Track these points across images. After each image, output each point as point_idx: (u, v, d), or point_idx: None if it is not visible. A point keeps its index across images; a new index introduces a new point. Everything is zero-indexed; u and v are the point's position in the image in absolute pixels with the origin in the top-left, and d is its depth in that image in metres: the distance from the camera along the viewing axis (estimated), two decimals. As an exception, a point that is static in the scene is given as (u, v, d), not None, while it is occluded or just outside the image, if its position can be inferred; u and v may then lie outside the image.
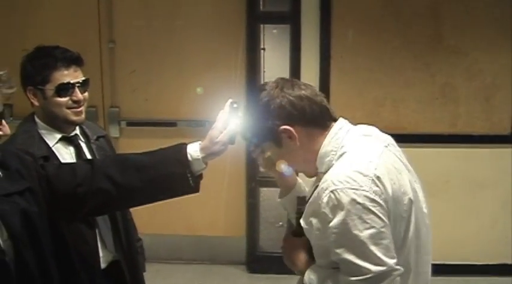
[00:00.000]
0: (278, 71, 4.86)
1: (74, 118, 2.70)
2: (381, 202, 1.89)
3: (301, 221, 2.08)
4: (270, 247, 5.28)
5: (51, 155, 2.62)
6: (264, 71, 5.13)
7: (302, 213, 2.12)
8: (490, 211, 5.14)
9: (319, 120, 2.08)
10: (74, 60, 2.69)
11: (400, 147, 2.13)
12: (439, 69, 5.02)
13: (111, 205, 2.31)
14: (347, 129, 2.09)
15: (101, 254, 2.71)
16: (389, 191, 1.92)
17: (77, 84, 2.68)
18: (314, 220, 1.99)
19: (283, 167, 2.17)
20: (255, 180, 5.21)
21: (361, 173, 1.90)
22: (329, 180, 1.92)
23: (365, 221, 1.85)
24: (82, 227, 2.61)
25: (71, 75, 2.66)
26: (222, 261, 5.48)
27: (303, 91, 2.06)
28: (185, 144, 2.23)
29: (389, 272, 1.86)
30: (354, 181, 1.88)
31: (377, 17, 4.99)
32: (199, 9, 5.19)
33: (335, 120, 2.11)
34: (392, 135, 2.17)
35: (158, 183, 2.21)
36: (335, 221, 1.87)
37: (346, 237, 1.87)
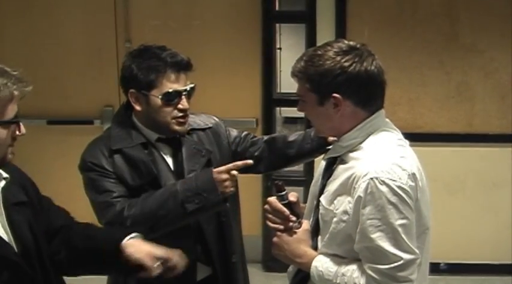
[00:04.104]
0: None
1: (178, 128, 2.49)
2: (413, 196, 1.96)
3: (322, 201, 2.10)
4: (286, 246, 5.27)
5: (149, 144, 2.50)
6: (280, 71, 5.13)
7: (288, 201, 2.20)
8: (507, 211, 5.10)
9: (371, 104, 2.14)
10: (184, 66, 2.47)
11: (415, 146, 2.16)
12: (455, 67, 5.00)
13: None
14: (384, 121, 2.17)
15: None
16: (419, 189, 2.00)
17: (184, 92, 2.47)
18: (343, 203, 2.03)
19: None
20: (271, 178, 5.20)
21: (400, 167, 1.97)
22: (368, 168, 1.97)
23: (401, 212, 1.93)
24: None
25: (180, 83, 2.45)
26: (238, 259, 5.50)
27: (373, 67, 2.12)
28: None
29: (415, 260, 1.95)
30: (394, 173, 1.95)
31: (393, 15, 4.98)
32: (215, 9, 5.21)
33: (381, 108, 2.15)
34: (408, 134, 2.19)
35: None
36: (372, 209, 1.93)
37: (382, 224, 1.93)
